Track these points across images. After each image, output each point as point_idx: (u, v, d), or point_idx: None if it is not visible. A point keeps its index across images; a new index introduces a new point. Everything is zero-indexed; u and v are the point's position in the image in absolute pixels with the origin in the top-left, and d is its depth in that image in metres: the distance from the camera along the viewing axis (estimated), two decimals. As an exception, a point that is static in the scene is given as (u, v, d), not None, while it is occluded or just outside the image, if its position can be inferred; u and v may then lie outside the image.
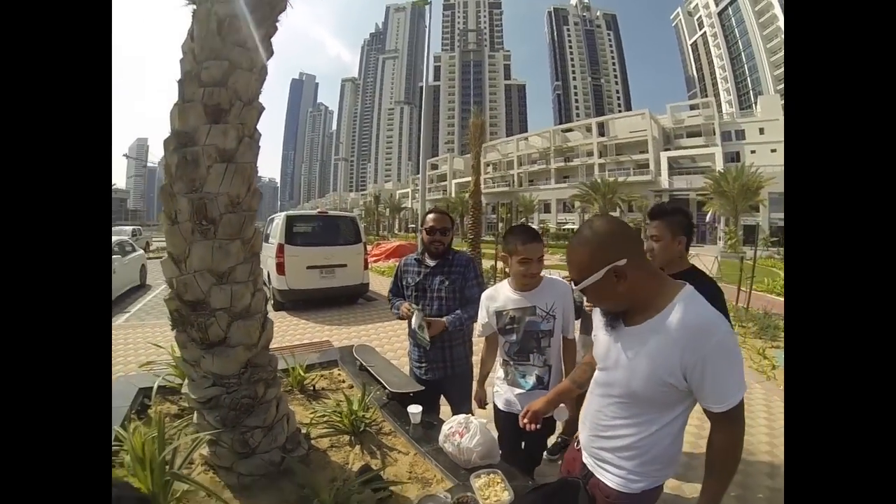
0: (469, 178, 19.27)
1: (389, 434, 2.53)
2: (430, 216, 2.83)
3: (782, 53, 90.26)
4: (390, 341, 6.57)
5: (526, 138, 71.50)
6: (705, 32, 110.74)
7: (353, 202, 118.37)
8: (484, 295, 2.49)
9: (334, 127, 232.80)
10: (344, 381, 3.38)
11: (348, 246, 9.30)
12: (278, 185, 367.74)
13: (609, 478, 1.48)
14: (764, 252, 31.33)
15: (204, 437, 1.81)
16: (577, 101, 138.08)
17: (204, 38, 2.06)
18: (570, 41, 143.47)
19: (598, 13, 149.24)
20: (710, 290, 2.13)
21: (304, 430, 2.40)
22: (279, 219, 8.95)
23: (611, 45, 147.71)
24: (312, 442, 2.36)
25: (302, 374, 3.21)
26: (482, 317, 2.42)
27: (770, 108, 56.94)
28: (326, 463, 2.21)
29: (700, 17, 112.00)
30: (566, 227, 52.87)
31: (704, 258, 19.21)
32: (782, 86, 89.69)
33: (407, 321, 2.78)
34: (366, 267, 9.72)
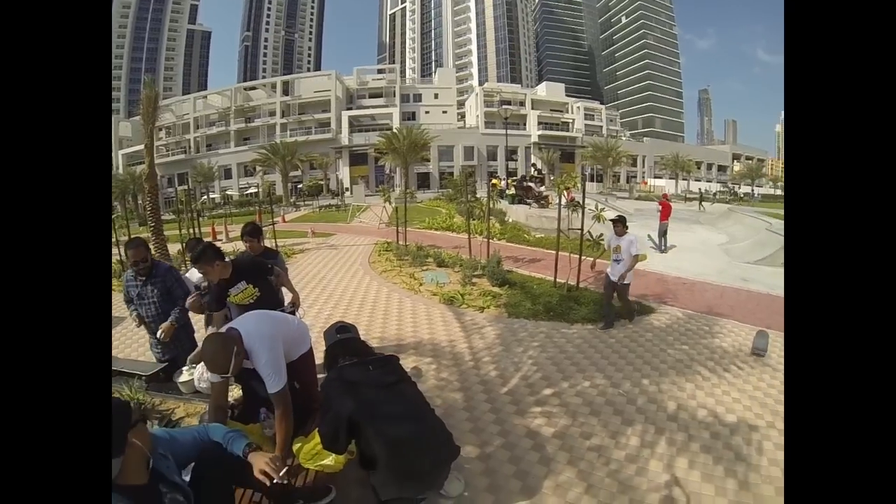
0: (139, 147, 17.30)
1: (161, 403, 3.32)
2: (130, 251, 3.85)
3: (465, 37, 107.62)
4: (120, 348, 6.26)
5: (205, 97, 65.07)
6: (406, 7, 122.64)
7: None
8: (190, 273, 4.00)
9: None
10: None
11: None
12: None
13: None
14: (432, 195, 37.72)
15: None
16: (265, 55, 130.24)
17: None
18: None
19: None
20: (274, 255, 4.27)
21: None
22: None
23: (313, 2, 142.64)
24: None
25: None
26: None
27: (446, 78, 68.77)
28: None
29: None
30: (248, 191, 51.28)
31: (376, 208, 22.37)
32: (460, 61, 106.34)
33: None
34: None
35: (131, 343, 6.26)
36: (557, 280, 7.88)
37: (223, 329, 2.71)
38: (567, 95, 72.49)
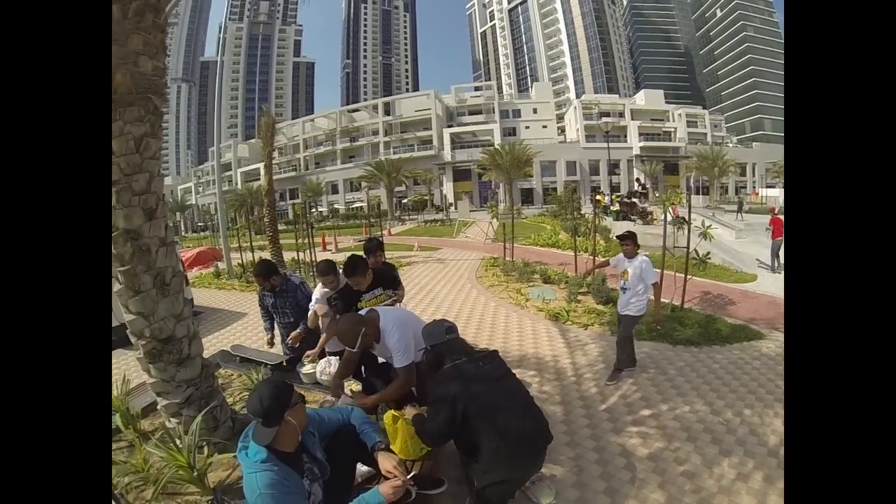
0: (255, 166, 18.96)
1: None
2: (257, 279, 4.54)
3: (558, 49, 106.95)
4: (240, 339, 7.50)
5: (312, 120, 71.55)
6: (495, 24, 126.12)
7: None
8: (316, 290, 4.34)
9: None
10: (232, 375, 4.51)
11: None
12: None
13: None
14: (536, 211, 37.67)
15: (198, 419, 2.83)
16: (366, 80, 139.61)
17: (127, 157, 2.83)
18: (366, 19, 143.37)
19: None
20: (392, 268, 4.53)
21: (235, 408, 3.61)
22: None
23: (405, 27, 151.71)
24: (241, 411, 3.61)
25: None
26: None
27: (543, 92, 69.69)
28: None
29: (493, 10, 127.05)
30: (354, 205, 55.58)
31: (481, 223, 22.84)
32: (555, 74, 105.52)
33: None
34: (187, 283, 9.51)
35: (250, 335, 7.42)
36: (661, 299, 7.70)
37: (363, 311, 3.19)
38: (667, 102, 68.87)
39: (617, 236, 5.46)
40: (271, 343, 4.72)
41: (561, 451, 3.64)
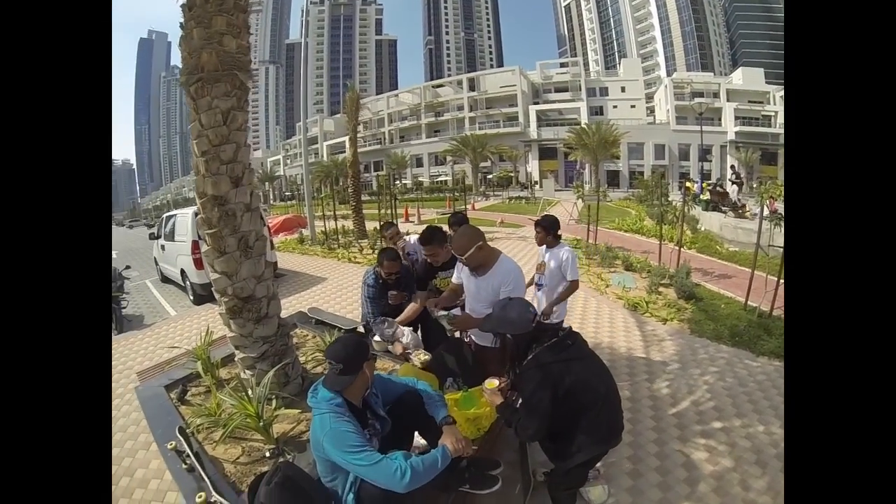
0: (340, 140, 19.54)
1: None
2: (387, 263, 4.04)
3: (647, 22, 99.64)
4: (318, 302, 7.90)
5: (396, 95, 72.31)
6: None
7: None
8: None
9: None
10: (307, 335, 4.74)
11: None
12: (134, 166, 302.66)
13: (479, 338, 3.29)
14: (622, 194, 36.27)
15: (270, 374, 3.04)
16: (449, 56, 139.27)
17: (215, 129, 3.05)
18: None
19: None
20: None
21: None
22: (185, 217, 9.31)
23: (486, 2, 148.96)
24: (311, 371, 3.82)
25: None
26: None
27: (631, 70, 66.14)
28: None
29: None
30: (439, 179, 56.29)
31: (566, 203, 22.22)
32: (644, 50, 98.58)
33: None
34: (272, 247, 10.48)
35: (328, 299, 7.59)
36: (748, 303, 7.00)
37: None
38: (767, 82, 61.06)
39: (534, 222, 4.68)
40: (367, 329, 4.29)
41: (622, 450, 3.47)
